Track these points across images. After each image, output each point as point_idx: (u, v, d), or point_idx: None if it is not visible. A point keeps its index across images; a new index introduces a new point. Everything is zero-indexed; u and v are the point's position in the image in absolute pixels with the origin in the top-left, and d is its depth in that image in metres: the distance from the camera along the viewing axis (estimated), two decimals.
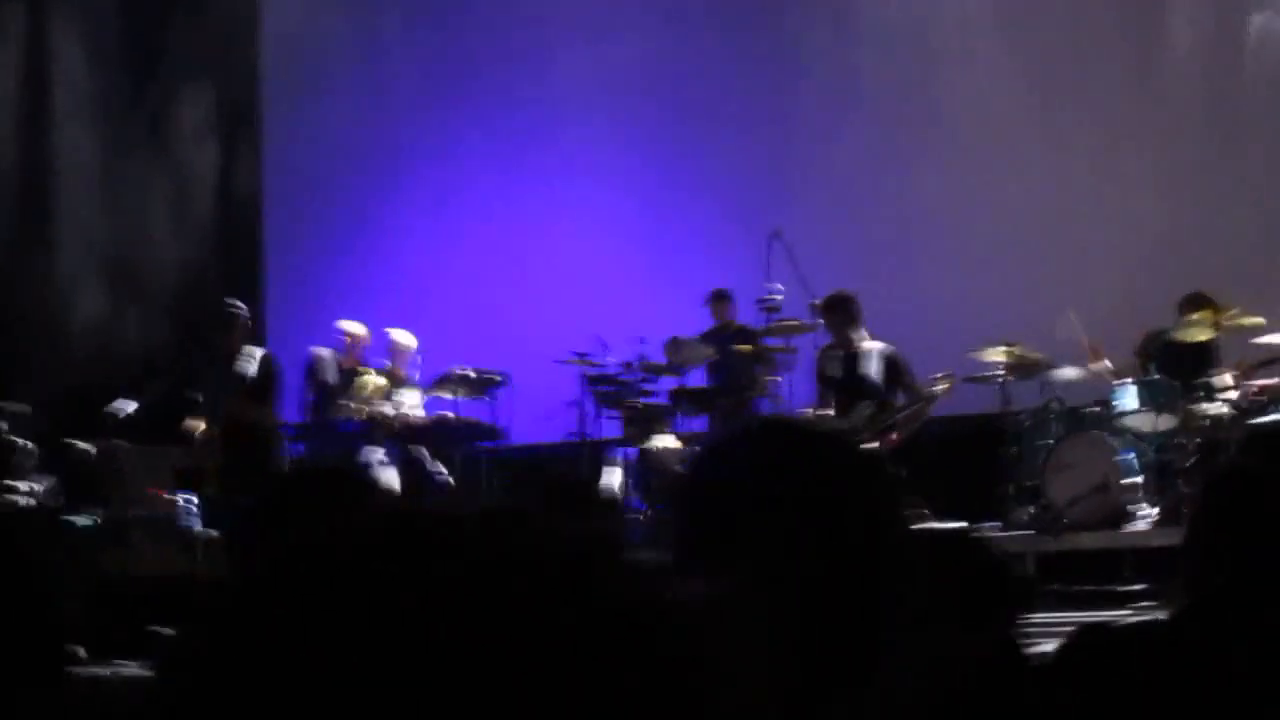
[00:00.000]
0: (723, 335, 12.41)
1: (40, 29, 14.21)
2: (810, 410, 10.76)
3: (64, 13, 14.35)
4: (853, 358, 10.53)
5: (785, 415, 2.17)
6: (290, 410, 12.57)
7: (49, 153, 14.30)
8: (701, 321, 12.64)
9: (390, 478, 12.53)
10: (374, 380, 12.32)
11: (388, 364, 12.86)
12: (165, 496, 11.76)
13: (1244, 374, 10.72)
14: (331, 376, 12.43)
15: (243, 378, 10.70)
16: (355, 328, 12.84)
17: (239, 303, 11.17)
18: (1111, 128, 13.20)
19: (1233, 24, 13.07)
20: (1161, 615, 3.05)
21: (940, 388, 10.53)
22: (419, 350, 12.88)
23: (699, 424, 12.29)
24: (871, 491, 1.87)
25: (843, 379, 10.52)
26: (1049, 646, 3.08)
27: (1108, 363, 11.28)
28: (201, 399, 10.98)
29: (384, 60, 15.74)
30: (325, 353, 12.51)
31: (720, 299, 12.57)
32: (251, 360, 10.79)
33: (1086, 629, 3.07)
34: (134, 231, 14.19)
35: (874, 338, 10.71)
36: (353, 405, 12.11)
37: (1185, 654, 2.89)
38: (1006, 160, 13.40)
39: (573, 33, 14.98)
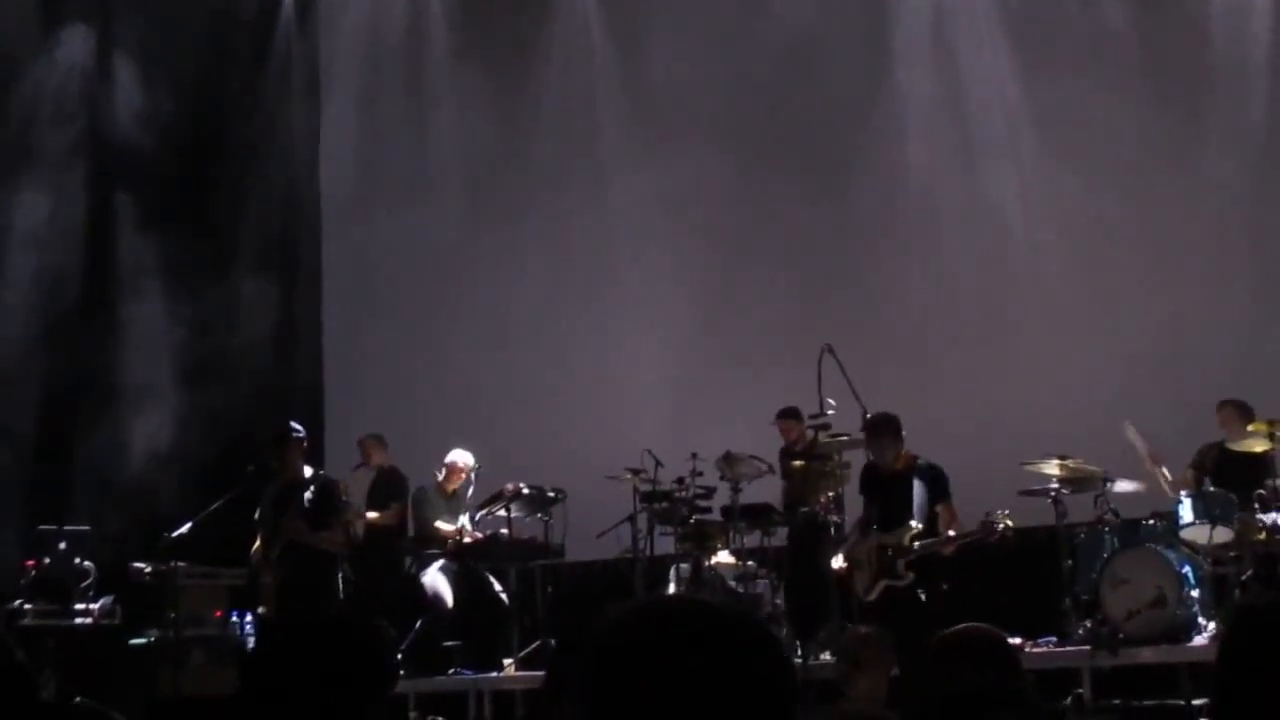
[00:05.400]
0: (788, 452, 12.42)
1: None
2: (854, 525, 10.77)
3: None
4: (896, 477, 10.52)
5: (696, 600, 2.20)
6: None
7: (113, 277, 14.55)
8: (760, 436, 12.59)
9: (444, 590, 12.56)
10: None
11: (442, 481, 12.96)
12: (220, 616, 11.86)
13: None
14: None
15: (300, 500, 10.78)
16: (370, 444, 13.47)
17: (297, 425, 11.26)
18: (1161, 237, 13.22)
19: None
20: None
21: (1000, 526, 10.38)
22: (476, 468, 12.96)
23: (753, 539, 12.25)
24: (766, 688, 1.93)
25: (887, 498, 10.51)
26: None
27: (1166, 471, 11.18)
28: (259, 519, 11.05)
29: (440, 183, 15.95)
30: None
31: (785, 416, 12.57)
32: (309, 483, 10.87)
33: None
34: (196, 355, 14.33)
35: (919, 456, 10.69)
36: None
37: None
38: (1056, 273, 13.43)
39: (627, 156, 15.17)
